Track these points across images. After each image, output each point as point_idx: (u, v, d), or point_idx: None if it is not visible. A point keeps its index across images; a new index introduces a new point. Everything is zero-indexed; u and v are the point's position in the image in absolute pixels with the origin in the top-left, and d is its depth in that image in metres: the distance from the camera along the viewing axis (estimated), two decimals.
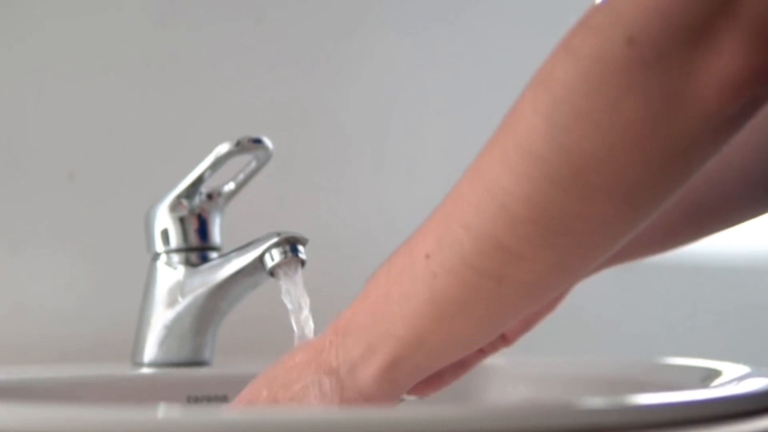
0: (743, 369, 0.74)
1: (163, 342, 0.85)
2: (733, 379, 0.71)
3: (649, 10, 0.54)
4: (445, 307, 0.61)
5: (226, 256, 0.84)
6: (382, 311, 0.64)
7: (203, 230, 0.86)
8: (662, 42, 0.54)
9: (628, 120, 0.54)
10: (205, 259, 0.86)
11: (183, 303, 0.85)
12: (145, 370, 0.85)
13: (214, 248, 0.87)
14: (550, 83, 0.56)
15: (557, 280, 0.61)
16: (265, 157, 0.87)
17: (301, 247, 0.80)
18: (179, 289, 0.85)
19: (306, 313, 0.77)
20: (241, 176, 0.88)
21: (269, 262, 0.79)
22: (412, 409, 0.59)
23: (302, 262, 0.79)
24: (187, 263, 0.86)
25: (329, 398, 0.66)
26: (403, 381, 0.65)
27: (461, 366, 0.72)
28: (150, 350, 0.86)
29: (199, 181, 0.86)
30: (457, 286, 0.61)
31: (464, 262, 0.60)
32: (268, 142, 0.86)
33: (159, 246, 0.86)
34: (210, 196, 0.87)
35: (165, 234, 0.86)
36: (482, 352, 0.72)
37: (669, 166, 0.56)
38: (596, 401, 0.55)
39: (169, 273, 0.86)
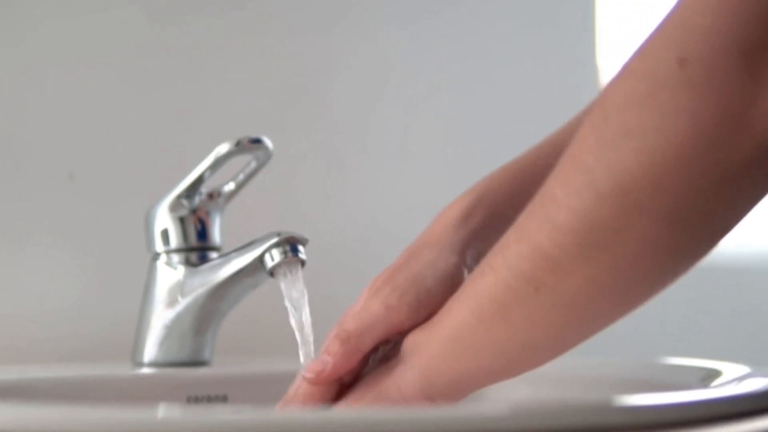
0: (743, 369, 0.74)
1: (163, 342, 0.85)
2: (733, 379, 0.71)
3: (700, 32, 0.54)
4: (485, 306, 0.61)
5: (226, 256, 0.84)
6: (444, 310, 0.65)
7: (203, 230, 0.86)
8: (713, 65, 0.53)
9: (674, 140, 0.54)
10: (205, 259, 0.86)
11: (183, 303, 0.85)
12: (145, 370, 0.85)
13: (214, 248, 0.87)
14: (603, 100, 0.57)
15: (598, 300, 0.59)
16: (265, 157, 0.87)
17: (301, 247, 0.79)
18: (179, 289, 0.85)
19: (306, 313, 0.77)
20: (241, 176, 0.88)
21: (269, 262, 0.79)
22: (414, 409, 0.59)
23: (302, 263, 0.79)
24: (187, 263, 0.86)
25: (372, 392, 0.66)
26: (441, 384, 0.64)
27: None
28: (150, 350, 0.86)
29: (199, 181, 0.86)
30: (496, 286, 0.61)
31: (505, 262, 0.60)
32: (268, 142, 0.86)
33: (159, 246, 0.86)
34: (210, 196, 0.87)
35: (165, 234, 0.86)
36: None
37: (718, 192, 0.55)
38: (596, 401, 0.55)
39: (169, 273, 0.86)
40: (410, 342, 0.66)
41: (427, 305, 0.67)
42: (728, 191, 0.55)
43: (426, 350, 0.65)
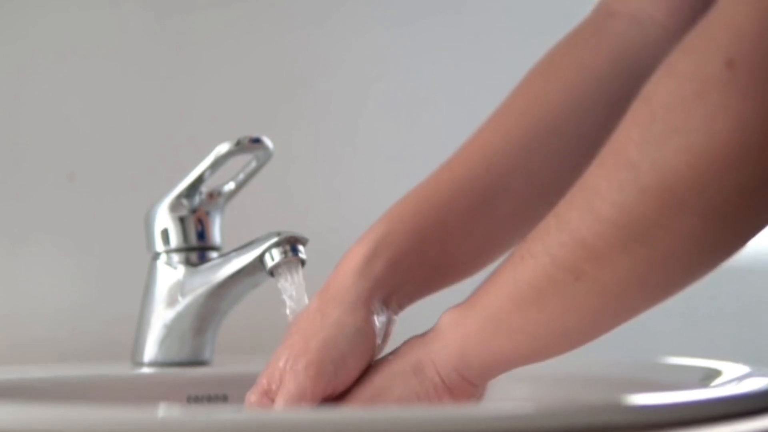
0: (743, 369, 0.74)
1: (163, 342, 0.85)
2: (733, 379, 0.71)
3: (748, 36, 0.54)
4: (522, 290, 0.63)
5: (226, 256, 0.84)
6: (480, 291, 0.66)
7: (203, 230, 0.86)
8: (760, 67, 0.54)
9: (720, 141, 0.55)
10: (205, 259, 0.86)
11: (183, 303, 0.85)
12: (145, 370, 0.85)
13: (214, 248, 0.87)
14: (649, 99, 0.58)
15: (636, 291, 0.61)
16: (265, 157, 0.87)
17: (301, 247, 0.79)
18: (179, 289, 0.85)
19: None
20: (241, 176, 0.88)
21: (269, 262, 0.79)
22: (437, 407, 0.59)
23: (302, 262, 0.79)
24: (187, 263, 0.86)
25: (407, 364, 0.67)
26: (475, 364, 0.65)
27: None
28: (150, 350, 0.86)
29: (199, 181, 0.86)
30: (535, 272, 0.62)
31: (546, 250, 0.61)
32: (268, 142, 0.86)
33: (159, 246, 0.86)
34: (210, 196, 0.87)
35: (165, 234, 0.86)
36: None
37: (760, 191, 0.56)
38: (596, 401, 0.55)
39: (169, 273, 0.86)
40: (448, 320, 0.67)
41: (344, 368, 0.69)
42: None
43: (463, 330, 0.66)
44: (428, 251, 0.72)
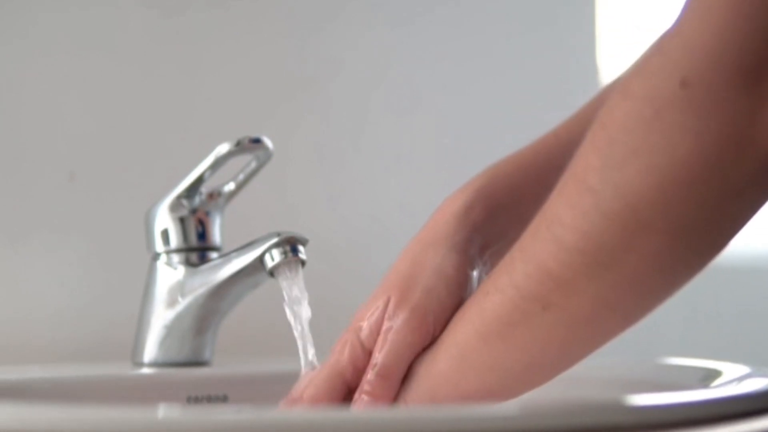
0: (743, 369, 0.74)
1: (163, 342, 0.85)
2: (733, 379, 0.71)
3: (701, 54, 0.54)
4: (490, 325, 0.62)
5: (226, 256, 0.84)
6: (447, 329, 0.65)
7: (203, 230, 0.86)
8: (715, 85, 0.54)
9: (680, 160, 0.55)
10: (205, 259, 0.86)
11: (183, 303, 0.85)
12: (145, 370, 0.85)
13: (214, 248, 0.87)
14: (607, 122, 0.57)
15: (604, 317, 0.60)
16: (265, 157, 0.87)
17: (301, 247, 0.79)
18: (179, 289, 0.85)
19: (306, 313, 0.77)
20: (241, 176, 0.88)
21: (269, 262, 0.79)
22: (421, 408, 0.59)
23: (302, 263, 0.79)
24: (187, 263, 0.86)
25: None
26: (446, 404, 0.64)
27: None
28: (150, 350, 0.86)
29: (199, 181, 0.86)
30: (503, 306, 0.61)
31: (512, 283, 0.61)
32: (268, 142, 0.86)
33: (159, 246, 0.86)
34: (210, 196, 0.87)
35: (165, 234, 0.86)
36: None
37: (723, 207, 0.56)
38: (596, 401, 0.55)
39: (169, 273, 0.86)
40: (417, 360, 0.66)
41: (443, 318, 0.67)
42: (733, 205, 0.56)
43: (432, 370, 0.65)
44: (525, 209, 0.70)
